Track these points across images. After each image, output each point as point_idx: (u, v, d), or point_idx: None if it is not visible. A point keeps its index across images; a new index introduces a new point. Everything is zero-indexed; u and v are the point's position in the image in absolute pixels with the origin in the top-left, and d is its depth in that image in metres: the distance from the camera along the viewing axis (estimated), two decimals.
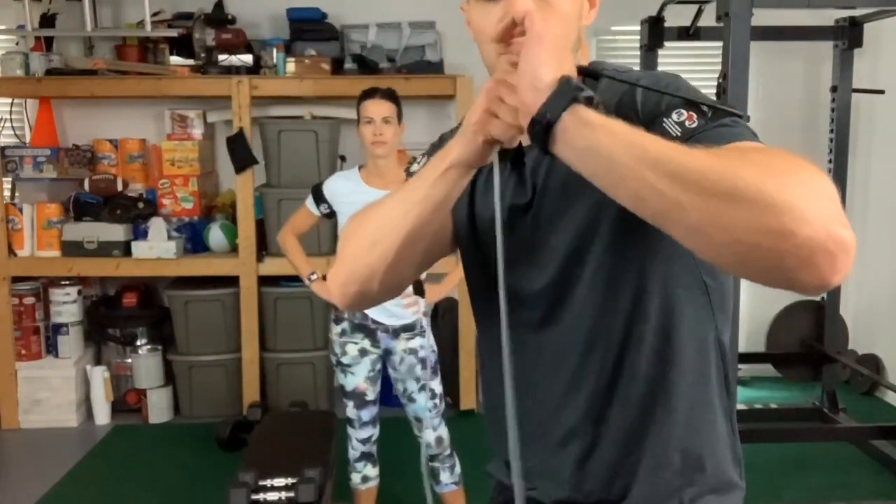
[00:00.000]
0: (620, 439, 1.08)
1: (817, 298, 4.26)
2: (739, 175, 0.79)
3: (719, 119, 0.95)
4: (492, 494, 1.29)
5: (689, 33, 3.90)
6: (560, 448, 1.11)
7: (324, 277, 2.89)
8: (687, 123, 0.95)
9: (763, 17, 3.02)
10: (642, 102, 1.00)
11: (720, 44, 2.90)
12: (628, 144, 0.82)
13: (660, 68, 4.06)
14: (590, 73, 1.02)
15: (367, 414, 2.78)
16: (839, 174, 3.98)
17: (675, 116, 0.95)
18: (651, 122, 0.96)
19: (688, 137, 0.93)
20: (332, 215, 2.84)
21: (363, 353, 2.74)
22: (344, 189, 2.76)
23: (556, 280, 1.07)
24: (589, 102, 0.84)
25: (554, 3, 0.98)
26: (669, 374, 1.06)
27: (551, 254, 1.06)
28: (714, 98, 0.99)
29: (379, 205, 1.09)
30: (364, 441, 2.81)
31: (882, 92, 4.03)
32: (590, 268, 1.03)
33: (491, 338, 1.11)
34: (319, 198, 2.82)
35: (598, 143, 0.83)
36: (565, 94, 0.83)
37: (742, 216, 0.77)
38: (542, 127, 0.84)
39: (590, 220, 1.03)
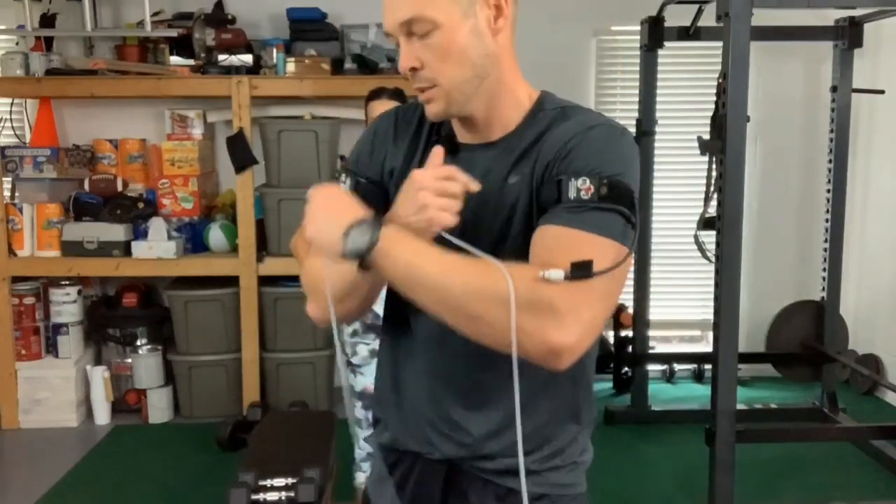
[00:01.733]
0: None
1: (817, 298, 4.26)
2: (488, 312, 1.04)
3: (608, 203, 1.10)
4: (379, 467, 1.41)
5: (689, 33, 3.90)
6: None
7: None
8: (581, 193, 1.11)
9: (763, 17, 3.03)
10: (573, 151, 1.14)
11: (720, 44, 2.90)
12: (411, 290, 1.08)
13: (660, 68, 4.07)
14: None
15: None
16: (839, 174, 3.99)
17: (579, 182, 1.11)
18: (562, 167, 1.14)
19: (571, 206, 1.10)
20: None
21: (373, 353, 2.74)
22: None
23: None
24: (367, 252, 1.07)
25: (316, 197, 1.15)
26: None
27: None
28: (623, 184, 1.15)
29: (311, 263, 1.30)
30: (371, 441, 2.81)
31: (882, 92, 4.03)
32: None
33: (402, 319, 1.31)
34: None
35: (392, 278, 1.09)
36: (357, 258, 1.08)
37: (503, 337, 1.04)
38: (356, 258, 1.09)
39: (494, 231, 1.20)
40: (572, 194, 1.10)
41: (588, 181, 1.10)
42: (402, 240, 1.07)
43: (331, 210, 1.11)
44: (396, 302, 1.25)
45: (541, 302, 1.02)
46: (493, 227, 1.20)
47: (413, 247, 1.07)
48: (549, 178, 1.15)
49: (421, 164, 1.24)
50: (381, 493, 1.38)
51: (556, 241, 1.09)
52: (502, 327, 1.02)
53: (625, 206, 1.11)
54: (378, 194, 1.27)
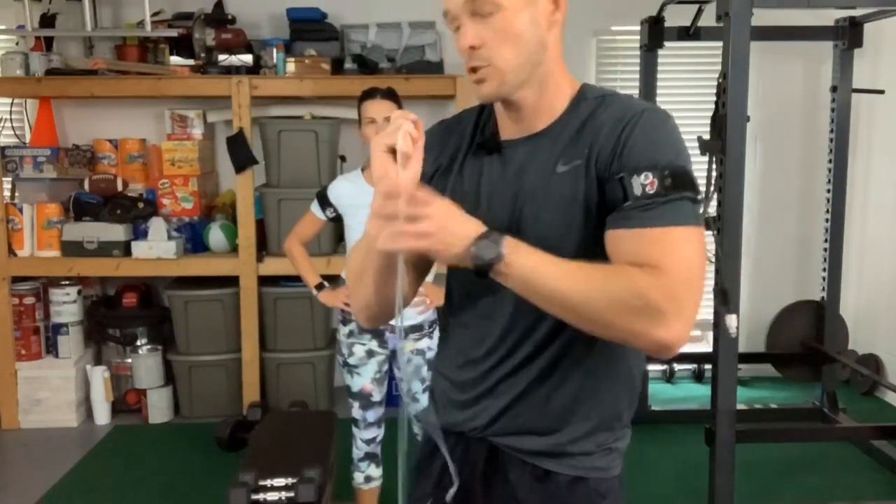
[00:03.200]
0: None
1: (817, 298, 4.26)
2: (620, 320, 1.11)
3: (675, 193, 1.14)
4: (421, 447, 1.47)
5: (689, 33, 3.90)
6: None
7: (319, 287, 2.89)
8: (647, 189, 1.14)
9: (763, 17, 3.03)
10: (628, 144, 1.18)
11: (720, 44, 2.89)
12: (532, 295, 1.14)
13: (660, 68, 4.07)
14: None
15: (372, 415, 2.78)
16: (839, 174, 3.98)
17: (642, 178, 1.15)
18: (621, 163, 1.17)
19: (640, 204, 1.14)
20: (338, 219, 2.84)
21: (370, 354, 2.75)
22: (348, 192, 2.76)
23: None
24: (497, 261, 1.11)
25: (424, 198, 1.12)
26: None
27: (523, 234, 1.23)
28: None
29: (358, 244, 1.35)
30: (369, 441, 2.81)
31: (882, 92, 4.02)
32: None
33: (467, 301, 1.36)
34: (325, 202, 2.82)
35: (514, 289, 1.14)
36: (483, 269, 1.12)
37: (616, 335, 1.14)
38: (477, 270, 1.12)
39: (555, 224, 1.24)
40: (638, 191, 1.14)
41: (651, 175, 1.14)
42: (521, 250, 1.12)
43: (456, 222, 1.12)
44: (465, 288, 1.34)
45: (648, 307, 1.08)
46: (550, 218, 1.23)
47: (532, 257, 1.12)
48: (610, 175, 1.18)
49: (464, 163, 1.33)
50: (427, 473, 1.42)
51: (637, 243, 1.13)
52: (615, 329, 1.12)
53: (689, 191, 1.15)
54: None
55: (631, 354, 1.33)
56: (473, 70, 1.22)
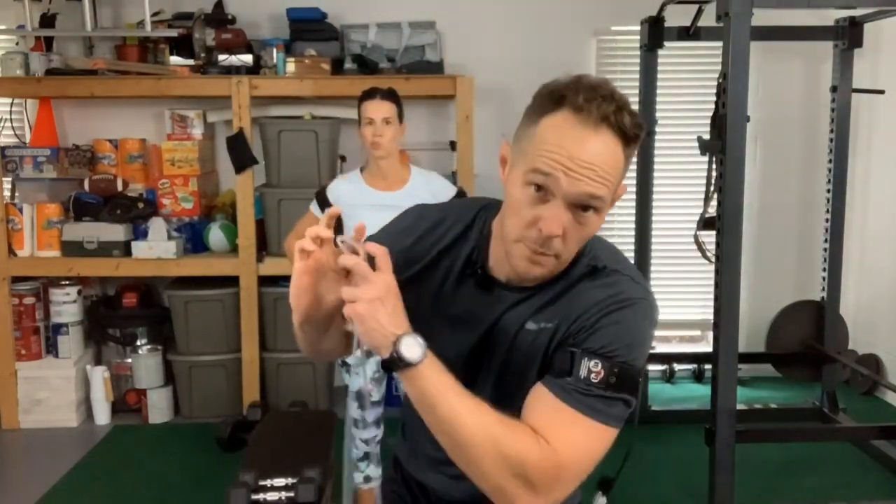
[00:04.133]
0: None
1: (817, 298, 4.26)
2: (494, 472, 1.12)
3: (613, 392, 1.15)
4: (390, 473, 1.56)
5: (689, 33, 3.90)
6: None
7: None
8: (591, 377, 1.14)
9: (763, 17, 3.03)
10: (596, 328, 1.18)
11: (720, 44, 2.90)
12: (427, 409, 1.13)
13: (660, 68, 4.07)
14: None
15: (371, 415, 2.78)
16: (839, 174, 3.98)
17: (591, 364, 1.15)
18: (581, 339, 1.17)
19: (579, 387, 1.14)
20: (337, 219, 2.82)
21: (369, 353, 2.73)
22: (347, 192, 2.76)
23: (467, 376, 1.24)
24: (410, 365, 1.10)
25: (372, 279, 1.12)
26: None
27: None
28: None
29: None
30: (368, 441, 2.81)
31: (882, 92, 4.02)
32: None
33: None
34: (324, 202, 2.81)
35: (410, 396, 1.14)
36: (395, 363, 1.12)
37: (485, 485, 1.13)
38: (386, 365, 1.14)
39: (514, 372, 1.26)
40: (582, 374, 1.14)
41: (601, 365, 1.15)
42: (438, 366, 1.13)
43: (388, 308, 1.12)
44: None
45: (525, 476, 1.10)
46: (510, 362, 1.26)
47: (444, 377, 1.12)
48: (566, 342, 1.19)
49: (446, 283, 1.30)
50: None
51: (554, 414, 1.14)
52: (488, 479, 1.12)
53: (628, 393, 1.16)
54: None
55: None
56: (536, 252, 1.16)
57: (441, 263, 1.31)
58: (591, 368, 1.14)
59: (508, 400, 1.20)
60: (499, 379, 1.24)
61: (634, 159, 1.25)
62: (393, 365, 1.12)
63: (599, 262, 1.24)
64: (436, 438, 1.15)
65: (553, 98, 1.13)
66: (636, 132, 1.13)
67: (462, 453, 1.13)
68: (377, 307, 1.11)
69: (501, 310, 1.25)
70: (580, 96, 1.11)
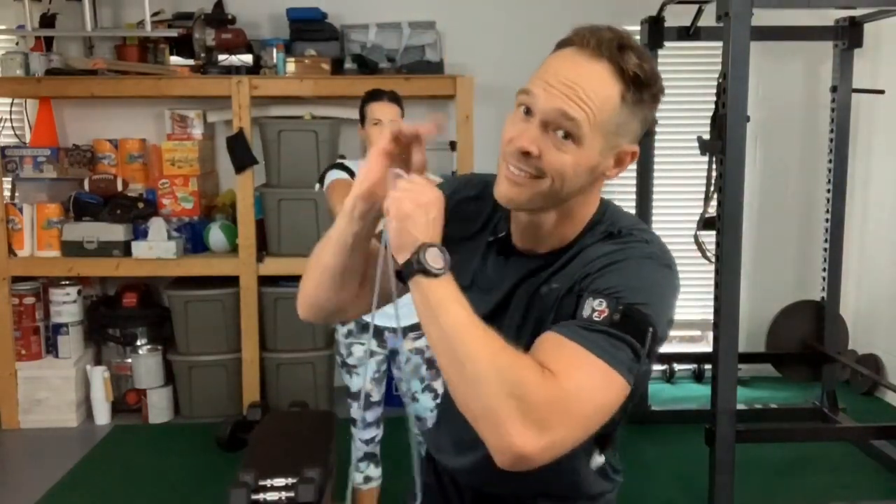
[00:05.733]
0: None
1: (817, 298, 4.26)
2: (489, 392, 1.03)
3: (617, 330, 1.08)
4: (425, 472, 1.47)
5: (689, 33, 3.90)
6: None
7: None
8: (594, 315, 1.09)
9: (763, 17, 3.03)
10: (609, 274, 1.13)
11: (720, 44, 2.90)
12: (433, 319, 1.09)
13: (660, 68, 4.06)
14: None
15: (371, 415, 2.78)
16: (839, 174, 3.98)
17: (596, 303, 1.10)
18: (587, 283, 1.13)
19: (582, 323, 1.09)
20: None
21: (369, 354, 2.74)
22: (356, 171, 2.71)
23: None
24: (429, 274, 1.08)
25: (427, 185, 1.16)
26: None
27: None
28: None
29: (321, 241, 1.31)
30: (368, 441, 2.81)
31: (882, 92, 4.03)
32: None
33: None
34: (345, 169, 2.72)
35: (419, 305, 1.11)
36: (412, 266, 1.10)
37: (475, 412, 1.06)
38: (401, 274, 1.12)
39: (527, 332, 1.22)
40: (586, 313, 1.09)
41: (604, 303, 1.09)
42: (453, 285, 1.10)
43: (430, 216, 1.12)
44: None
45: (520, 399, 1.01)
46: (525, 324, 1.23)
47: (457, 294, 1.09)
48: (573, 291, 1.16)
49: (476, 245, 1.32)
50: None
51: (557, 350, 1.07)
52: (479, 404, 1.04)
53: (635, 339, 1.08)
54: None
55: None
56: (514, 169, 1.14)
57: (479, 231, 1.32)
58: (595, 307, 1.09)
59: None
60: (514, 344, 1.15)
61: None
62: (409, 270, 1.09)
63: (616, 227, 1.21)
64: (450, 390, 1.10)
65: (563, 40, 1.18)
66: (637, 72, 1.11)
67: (459, 370, 1.05)
68: (420, 211, 1.11)
69: (518, 277, 1.25)
70: (586, 34, 1.15)
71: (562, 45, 1.17)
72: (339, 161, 2.82)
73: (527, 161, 1.13)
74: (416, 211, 1.10)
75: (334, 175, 2.75)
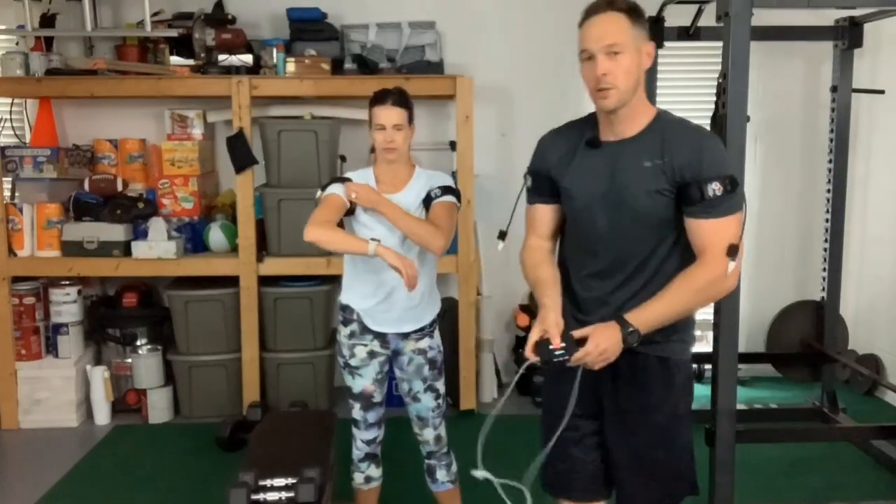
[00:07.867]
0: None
1: (817, 298, 4.26)
2: (703, 301, 2.08)
3: (730, 193, 1.85)
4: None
5: (689, 33, 3.89)
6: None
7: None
8: (716, 192, 1.84)
9: (763, 17, 3.02)
10: (705, 161, 1.85)
11: (720, 44, 2.89)
12: (663, 324, 2.00)
13: (660, 68, 4.06)
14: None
15: (373, 416, 2.78)
16: (839, 174, 3.98)
17: (714, 185, 1.84)
18: (699, 172, 1.85)
19: (710, 203, 1.85)
20: (351, 211, 2.65)
21: (372, 355, 2.73)
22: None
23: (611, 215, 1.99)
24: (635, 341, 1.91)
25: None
26: None
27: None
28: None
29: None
30: (369, 442, 2.80)
31: (882, 92, 4.02)
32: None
33: (574, 248, 2.10)
34: (345, 181, 2.68)
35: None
36: (629, 343, 1.92)
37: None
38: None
39: (639, 195, 1.92)
40: (710, 195, 1.84)
41: (718, 184, 1.84)
42: (641, 319, 1.90)
43: (613, 342, 1.89)
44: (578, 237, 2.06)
45: (714, 284, 1.90)
46: (637, 191, 1.89)
47: (648, 315, 1.93)
48: (690, 180, 1.85)
49: (576, 154, 1.99)
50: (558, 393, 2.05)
51: (712, 231, 1.86)
52: (704, 303, 2.12)
53: (737, 186, 1.86)
54: (546, 181, 2.06)
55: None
56: (601, 90, 1.85)
57: (572, 150, 2.01)
58: (715, 189, 1.83)
59: (632, 213, 1.90)
60: (632, 199, 1.89)
61: None
62: (631, 346, 1.90)
63: (673, 117, 1.95)
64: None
65: (585, 11, 1.91)
66: (629, 5, 1.89)
67: (687, 313, 2.07)
68: (610, 344, 1.88)
69: (615, 158, 1.92)
70: (595, 3, 1.90)
71: (585, 16, 1.89)
72: (347, 176, 2.74)
73: (607, 80, 1.85)
74: (611, 347, 1.86)
75: (332, 190, 2.66)
